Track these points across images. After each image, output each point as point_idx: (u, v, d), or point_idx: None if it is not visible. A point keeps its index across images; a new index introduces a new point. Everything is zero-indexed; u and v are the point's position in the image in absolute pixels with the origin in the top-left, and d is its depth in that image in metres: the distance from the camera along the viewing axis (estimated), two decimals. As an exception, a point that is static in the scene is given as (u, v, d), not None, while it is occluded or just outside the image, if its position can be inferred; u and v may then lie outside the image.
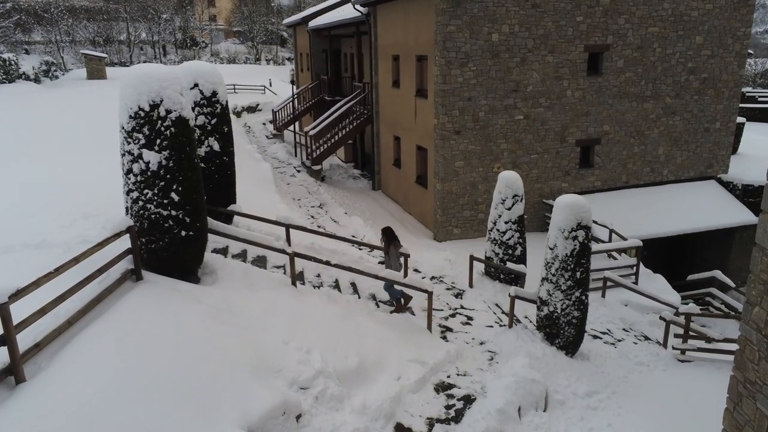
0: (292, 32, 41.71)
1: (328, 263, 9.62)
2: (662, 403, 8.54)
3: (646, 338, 11.30)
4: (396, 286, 10.00)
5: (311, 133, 22.20)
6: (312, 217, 16.85)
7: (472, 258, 12.42)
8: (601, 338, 10.92)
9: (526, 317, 11.22)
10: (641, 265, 13.98)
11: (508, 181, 12.07)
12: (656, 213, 17.13)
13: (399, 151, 20.23)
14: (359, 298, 10.30)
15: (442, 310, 11.12)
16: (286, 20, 40.05)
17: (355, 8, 20.71)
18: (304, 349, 7.36)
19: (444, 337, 9.81)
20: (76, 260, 6.28)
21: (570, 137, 17.21)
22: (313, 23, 28.66)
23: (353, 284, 10.97)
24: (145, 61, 62.71)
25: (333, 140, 22.46)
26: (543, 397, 8.08)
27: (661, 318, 10.97)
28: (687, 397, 8.79)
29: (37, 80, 39.35)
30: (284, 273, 10.16)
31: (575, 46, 16.36)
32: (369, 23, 20.71)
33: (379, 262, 11.44)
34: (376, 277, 9.57)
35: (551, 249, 9.33)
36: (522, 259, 12.44)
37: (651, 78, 17.43)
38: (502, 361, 9.07)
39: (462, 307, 11.42)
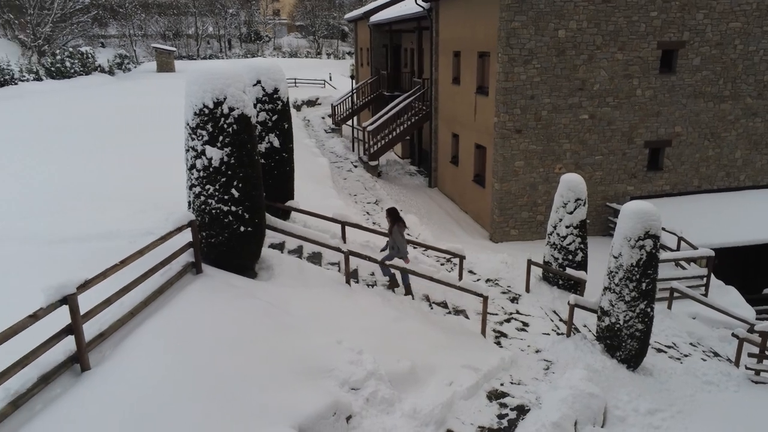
0: (353, 27, 41.91)
1: (382, 263, 9.55)
2: (733, 425, 8.01)
3: (716, 355, 10.62)
4: (392, 269, 9.97)
5: (369, 128, 22.21)
6: (367, 213, 16.86)
7: (529, 262, 12.06)
8: (665, 352, 10.36)
9: (585, 326, 10.79)
10: (712, 276, 13.17)
11: (571, 183, 11.62)
12: (731, 220, 16.06)
13: (457, 149, 19.93)
14: (413, 298, 10.19)
15: (496, 314, 10.86)
16: (348, 15, 40.30)
17: (417, 3, 20.52)
18: (356, 350, 7.31)
19: (498, 343, 9.57)
20: (141, 252, 6.47)
21: (638, 138, 16.42)
22: (374, 18, 28.65)
23: (407, 284, 10.86)
24: (211, 55, 64.81)
25: (391, 136, 22.40)
26: (602, 413, 7.73)
27: (733, 335, 10.29)
28: (761, 421, 8.20)
29: (111, 72, 41.32)
30: (339, 270, 10.19)
31: (648, 42, 15.54)
32: (430, 18, 20.49)
33: (382, 249, 10.76)
34: (432, 279, 9.45)
35: (615, 257, 8.89)
36: (582, 266, 11.97)
37: (730, 77, 16.35)
38: (559, 371, 8.75)
39: (517, 312, 11.12)
